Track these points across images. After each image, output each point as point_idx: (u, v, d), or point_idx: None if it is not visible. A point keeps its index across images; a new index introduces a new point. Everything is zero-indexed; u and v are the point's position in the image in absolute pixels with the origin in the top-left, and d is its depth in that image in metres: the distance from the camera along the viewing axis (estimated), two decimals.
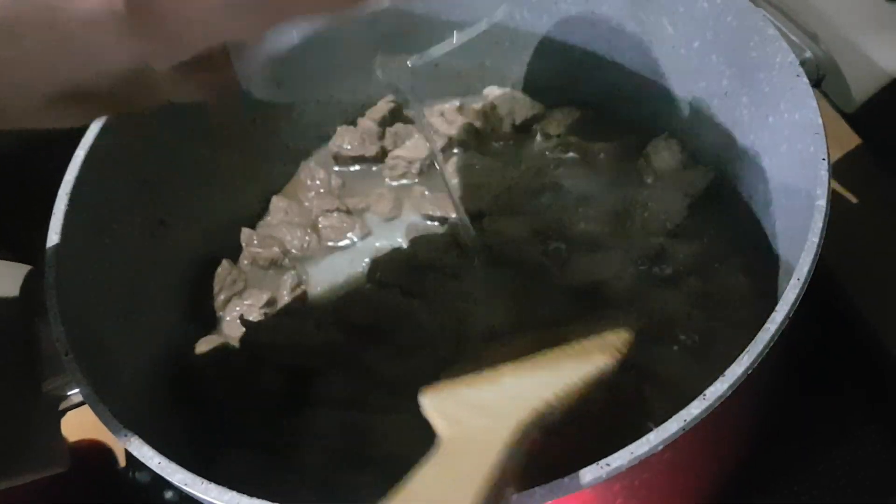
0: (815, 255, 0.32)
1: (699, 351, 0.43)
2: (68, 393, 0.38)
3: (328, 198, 0.55)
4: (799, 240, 0.33)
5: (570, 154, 0.55)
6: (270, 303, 0.51)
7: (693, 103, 0.50)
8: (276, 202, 0.56)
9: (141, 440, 0.32)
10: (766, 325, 0.30)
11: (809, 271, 0.31)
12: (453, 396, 0.28)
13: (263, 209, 0.57)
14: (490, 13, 0.41)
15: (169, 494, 0.50)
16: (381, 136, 0.58)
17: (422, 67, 0.58)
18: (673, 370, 0.43)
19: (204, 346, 0.49)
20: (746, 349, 0.29)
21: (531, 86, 0.59)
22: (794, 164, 0.40)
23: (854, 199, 0.51)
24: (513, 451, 0.24)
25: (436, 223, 0.53)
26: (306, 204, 0.56)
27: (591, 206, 0.51)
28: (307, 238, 0.54)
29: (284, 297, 0.51)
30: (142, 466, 0.31)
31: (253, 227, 0.56)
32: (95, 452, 0.53)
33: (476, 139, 0.57)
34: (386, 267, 0.51)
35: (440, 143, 0.56)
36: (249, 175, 0.56)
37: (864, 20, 0.44)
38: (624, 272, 0.47)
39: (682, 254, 0.47)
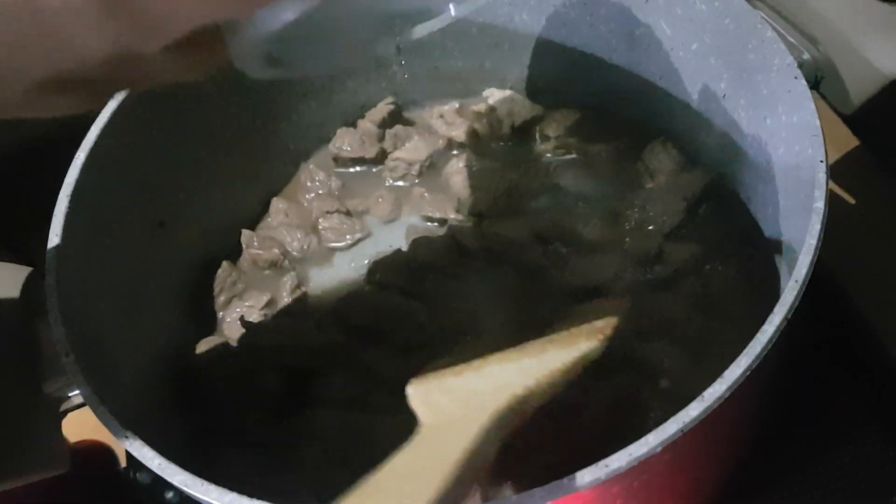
0: (814, 256, 0.32)
1: (698, 352, 0.44)
2: (69, 394, 0.38)
3: (328, 199, 0.55)
4: (797, 241, 0.34)
5: (569, 156, 0.55)
6: (270, 304, 0.51)
7: (691, 105, 0.50)
8: (276, 203, 0.56)
9: (141, 441, 0.32)
10: (765, 327, 0.30)
11: (808, 273, 0.32)
12: (437, 385, 0.28)
13: (263, 211, 0.57)
14: None
15: (170, 495, 0.51)
16: (381, 138, 0.58)
17: (420, 69, 0.59)
18: (671, 371, 0.43)
19: (204, 346, 0.49)
20: (745, 350, 0.30)
21: (530, 87, 0.59)
22: (792, 165, 0.40)
23: (852, 201, 0.51)
24: (489, 438, 0.25)
25: (435, 224, 0.53)
26: (306, 205, 0.56)
27: (590, 208, 0.51)
28: (307, 239, 0.54)
29: (284, 298, 0.51)
30: (142, 467, 0.31)
31: (253, 228, 0.56)
32: (96, 453, 0.53)
33: (475, 141, 0.57)
34: (386, 268, 0.51)
35: (439, 144, 0.56)
36: (249, 176, 0.56)
37: (862, 22, 0.44)
38: (622, 274, 0.47)
39: (680, 255, 0.47)
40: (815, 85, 0.46)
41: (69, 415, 0.39)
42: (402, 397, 0.36)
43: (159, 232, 0.49)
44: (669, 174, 0.51)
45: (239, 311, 0.51)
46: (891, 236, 0.49)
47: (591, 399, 0.42)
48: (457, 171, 0.55)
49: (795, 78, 0.38)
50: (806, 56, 0.45)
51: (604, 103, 0.57)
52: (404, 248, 0.52)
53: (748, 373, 0.29)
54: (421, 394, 0.27)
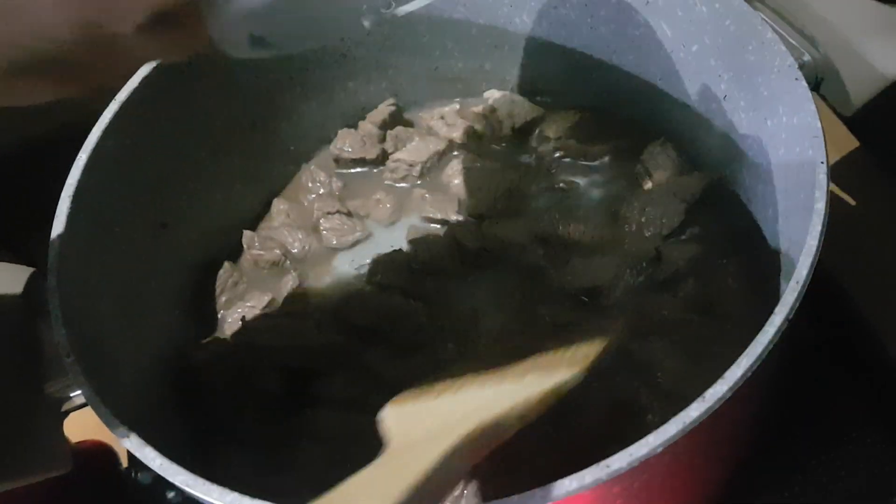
0: (814, 257, 0.32)
1: (698, 353, 0.44)
2: (70, 394, 0.38)
3: (329, 200, 0.55)
4: (797, 242, 0.34)
5: (569, 157, 0.55)
6: (271, 304, 0.51)
7: (691, 106, 0.50)
8: (277, 204, 0.57)
9: (143, 441, 0.32)
10: (766, 328, 0.30)
11: (808, 274, 0.32)
12: (412, 407, 0.28)
13: (264, 211, 0.57)
14: None
15: (171, 495, 0.51)
16: (382, 139, 0.58)
17: (421, 69, 0.59)
18: (671, 373, 0.43)
19: (205, 347, 0.49)
20: (746, 351, 0.30)
21: (531, 89, 0.59)
22: (792, 167, 0.40)
23: (852, 202, 0.51)
24: (455, 461, 0.24)
25: (436, 225, 0.53)
26: (307, 206, 0.56)
27: (590, 210, 0.52)
28: (308, 240, 0.54)
29: (285, 299, 0.51)
30: (144, 467, 0.31)
31: (254, 229, 0.56)
32: (98, 453, 0.53)
33: (476, 142, 0.57)
34: (386, 269, 0.51)
35: (440, 145, 0.56)
36: (250, 177, 0.56)
37: (862, 23, 0.44)
38: (622, 276, 0.47)
39: (679, 257, 0.47)
40: (815, 86, 0.46)
41: (70, 415, 0.39)
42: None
43: (160, 232, 0.49)
44: (669, 175, 0.51)
45: (240, 312, 0.51)
46: (891, 237, 0.49)
47: (591, 400, 0.42)
48: (457, 172, 0.55)
49: (796, 79, 0.38)
50: (806, 57, 0.45)
51: (604, 104, 0.57)
52: (405, 248, 0.52)
53: (749, 373, 0.29)
54: (394, 416, 0.27)
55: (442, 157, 0.57)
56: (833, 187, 0.35)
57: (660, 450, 0.28)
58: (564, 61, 0.56)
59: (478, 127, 0.58)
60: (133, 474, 0.52)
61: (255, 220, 0.57)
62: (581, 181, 0.54)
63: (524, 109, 0.57)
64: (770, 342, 0.30)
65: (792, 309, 0.31)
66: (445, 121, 0.58)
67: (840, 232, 0.36)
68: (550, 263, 0.49)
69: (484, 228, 0.51)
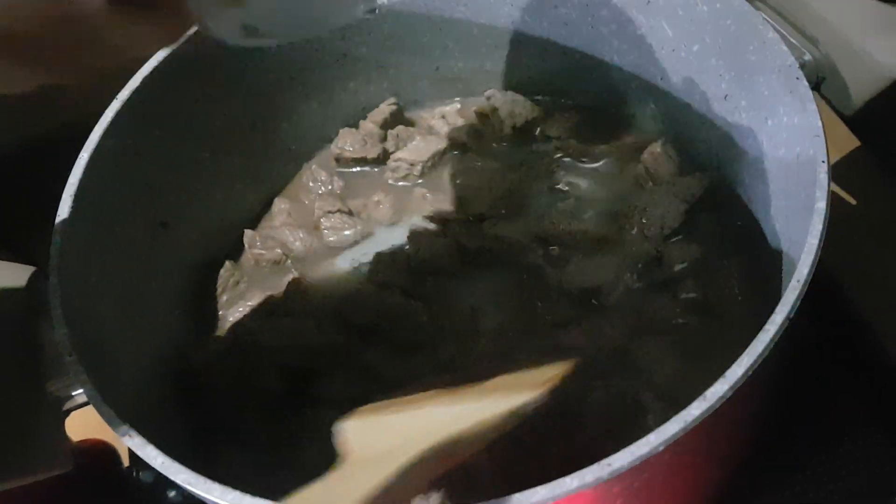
0: (815, 256, 0.32)
1: (698, 354, 0.44)
2: (72, 393, 0.38)
3: (330, 199, 0.55)
4: (798, 242, 0.34)
5: (570, 157, 0.55)
6: (272, 304, 0.51)
7: (692, 106, 0.50)
8: (278, 203, 0.57)
9: (144, 440, 0.32)
10: (766, 327, 0.30)
11: (809, 273, 0.32)
12: (373, 421, 0.28)
13: (265, 210, 0.57)
14: None
15: (172, 494, 0.51)
16: (383, 139, 0.58)
17: (422, 69, 0.59)
18: (672, 373, 0.43)
19: (206, 346, 0.49)
20: (747, 350, 0.30)
21: (532, 88, 0.59)
22: (793, 166, 0.40)
23: (853, 202, 0.51)
24: (411, 475, 0.25)
25: (437, 225, 0.53)
26: (308, 205, 0.56)
27: (590, 210, 0.52)
28: (309, 239, 0.54)
29: (286, 298, 0.51)
30: (145, 466, 0.31)
31: (255, 228, 0.56)
32: (99, 452, 0.53)
33: (477, 141, 0.57)
34: (387, 268, 0.51)
35: (441, 145, 0.56)
36: (251, 177, 0.56)
37: (863, 23, 0.44)
38: (622, 276, 0.47)
39: (680, 257, 0.47)
40: (816, 86, 0.46)
41: (72, 414, 0.39)
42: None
43: (161, 232, 0.49)
44: (670, 175, 0.51)
45: (241, 311, 0.51)
46: (891, 237, 0.49)
47: (591, 399, 0.42)
48: (458, 171, 0.55)
49: (797, 79, 0.38)
50: (807, 57, 0.45)
51: (605, 104, 0.57)
52: (405, 248, 0.52)
53: (750, 372, 0.29)
54: (353, 429, 0.27)
55: (443, 156, 0.57)
56: (833, 187, 0.35)
57: (661, 448, 0.28)
58: (565, 61, 0.56)
59: (478, 126, 0.58)
60: (134, 473, 0.52)
61: (255, 220, 0.57)
62: (581, 181, 0.54)
63: (525, 109, 0.57)
64: (771, 341, 0.30)
65: (793, 308, 0.31)
66: (446, 120, 0.58)
67: (840, 232, 0.36)
68: (551, 263, 0.49)
69: (484, 228, 0.51)
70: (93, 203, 0.42)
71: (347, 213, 0.55)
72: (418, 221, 0.54)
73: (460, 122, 0.58)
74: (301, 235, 0.54)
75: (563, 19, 0.54)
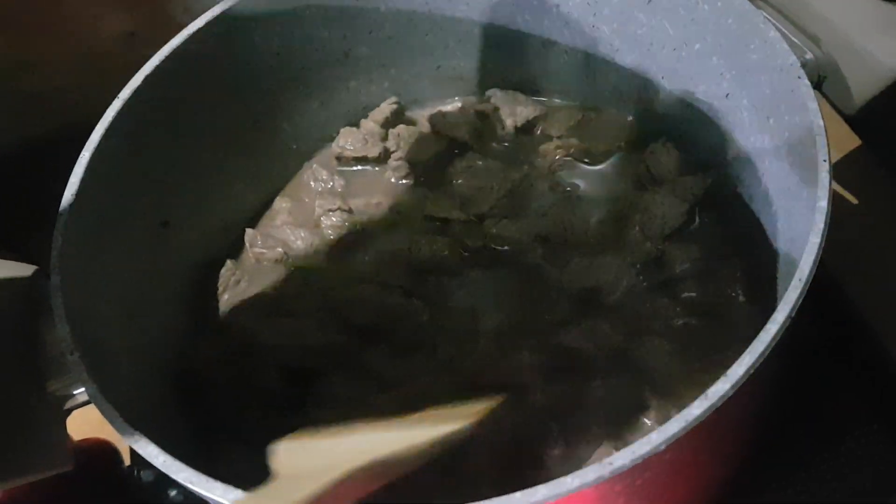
0: (817, 255, 0.32)
1: (699, 353, 0.44)
2: (73, 392, 0.38)
3: (331, 198, 0.55)
4: (800, 241, 0.34)
5: (571, 156, 0.55)
6: (273, 303, 0.51)
7: (694, 105, 0.50)
8: (279, 203, 0.57)
9: (146, 438, 0.32)
10: (768, 326, 0.30)
11: (811, 271, 0.32)
12: (303, 444, 0.29)
13: (266, 209, 0.57)
14: None
15: (173, 493, 0.51)
16: (384, 138, 0.58)
17: (423, 68, 0.59)
18: (673, 372, 0.43)
19: (206, 345, 0.49)
20: (748, 349, 0.30)
21: (533, 88, 0.59)
22: (794, 165, 0.40)
23: (854, 201, 0.51)
24: (337, 494, 0.26)
25: (438, 224, 0.53)
26: (309, 204, 0.56)
27: (591, 209, 0.52)
28: (310, 238, 0.54)
29: (286, 298, 0.51)
30: (146, 465, 0.31)
31: (256, 227, 0.56)
32: (100, 451, 0.53)
33: (478, 140, 0.57)
34: (387, 267, 0.51)
35: (442, 144, 0.56)
36: (252, 176, 0.56)
37: (864, 22, 0.44)
38: (623, 276, 0.47)
39: (681, 257, 0.47)
40: (817, 85, 0.46)
41: (73, 413, 0.39)
42: (403, 397, 0.37)
43: (163, 231, 0.49)
44: (671, 175, 0.51)
45: (241, 310, 0.51)
46: (891, 237, 0.49)
47: (592, 399, 0.42)
48: (459, 170, 0.55)
49: (798, 78, 0.38)
50: (809, 56, 0.45)
51: (606, 103, 0.57)
52: (407, 247, 0.52)
53: (752, 371, 0.29)
54: (284, 450, 0.28)
55: (444, 155, 0.57)
56: (834, 186, 0.35)
57: (662, 447, 0.28)
58: (566, 60, 0.56)
59: (480, 125, 0.58)
60: (135, 472, 0.52)
61: (256, 219, 0.57)
62: (582, 180, 0.54)
63: (526, 108, 0.57)
64: (773, 340, 0.30)
65: (794, 306, 0.31)
66: (447, 119, 0.58)
67: (841, 231, 0.36)
68: (551, 263, 0.49)
69: (485, 227, 0.51)
70: (94, 202, 0.42)
71: (348, 211, 0.55)
72: (419, 221, 0.54)
73: (461, 121, 0.58)
74: (302, 234, 0.54)
75: (564, 18, 0.54)
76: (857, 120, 0.46)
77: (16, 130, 0.54)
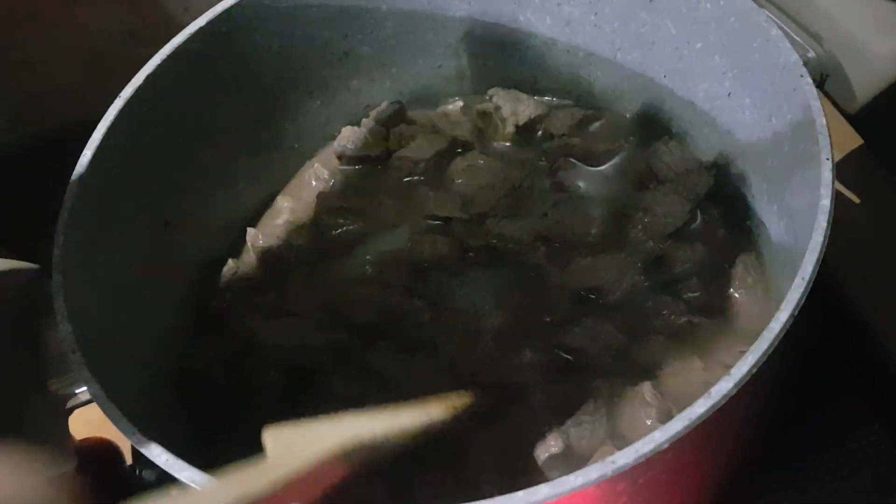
0: (820, 254, 0.32)
1: (702, 352, 0.44)
2: (75, 391, 0.38)
3: (332, 197, 0.55)
4: (802, 240, 0.34)
5: (573, 155, 0.55)
6: (274, 302, 0.51)
7: (696, 104, 0.50)
8: (281, 202, 0.57)
9: (148, 437, 0.32)
10: (771, 325, 0.30)
11: (814, 270, 0.32)
12: (293, 428, 0.30)
13: (267, 208, 0.57)
14: None
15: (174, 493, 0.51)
16: (386, 137, 0.58)
17: (424, 68, 0.59)
18: (675, 372, 0.43)
19: (208, 345, 0.49)
20: (751, 348, 0.30)
21: (534, 86, 0.59)
22: (797, 164, 0.40)
23: (856, 200, 0.51)
24: (323, 470, 0.28)
25: (439, 223, 0.53)
26: (310, 203, 0.56)
27: (594, 208, 0.51)
28: (311, 237, 0.54)
29: (287, 297, 0.51)
30: (148, 464, 0.31)
31: (257, 226, 0.56)
32: (101, 450, 0.53)
33: (479, 140, 0.57)
34: (389, 267, 0.51)
35: (443, 143, 0.56)
36: (254, 175, 0.56)
37: (867, 21, 0.44)
38: (625, 275, 0.47)
39: (683, 257, 0.47)
40: (819, 83, 0.46)
41: (75, 412, 0.39)
42: (404, 397, 0.37)
43: (164, 231, 0.49)
44: (673, 174, 0.51)
45: (242, 310, 0.51)
46: (893, 237, 0.49)
47: (593, 398, 0.42)
48: (461, 170, 0.55)
49: (801, 76, 0.38)
50: (811, 54, 0.45)
51: (608, 102, 0.57)
52: (408, 246, 0.52)
53: (754, 370, 0.29)
54: (273, 435, 0.30)
55: (445, 154, 0.57)
56: (837, 185, 0.35)
57: (665, 446, 0.28)
58: (568, 59, 0.56)
59: (481, 125, 0.58)
60: (137, 471, 0.52)
61: (258, 218, 0.57)
62: (584, 179, 0.54)
63: (528, 107, 0.57)
64: (776, 339, 0.30)
65: (797, 306, 0.31)
66: (449, 118, 0.58)
67: (843, 230, 0.36)
68: (553, 262, 0.49)
69: (487, 227, 0.51)
70: (96, 201, 0.42)
71: (349, 211, 0.55)
72: (420, 220, 0.54)
73: (463, 120, 0.58)
74: (303, 234, 0.54)
75: (566, 17, 0.54)
76: (860, 119, 0.46)
77: (16, 130, 0.54)
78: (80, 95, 0.49)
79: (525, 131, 0.57)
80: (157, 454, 0.32)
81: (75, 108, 0.44)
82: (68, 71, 0.55)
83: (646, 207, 0.49)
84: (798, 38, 0.46)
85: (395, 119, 0.59)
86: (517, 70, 0.59)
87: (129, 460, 0.54)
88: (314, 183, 0.57)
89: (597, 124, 0.57)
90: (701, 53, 0.48)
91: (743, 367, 0.29)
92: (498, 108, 0.57)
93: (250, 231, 0.54)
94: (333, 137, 0.59)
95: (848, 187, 0.51)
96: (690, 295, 0.46)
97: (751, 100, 0.45)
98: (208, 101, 0.50)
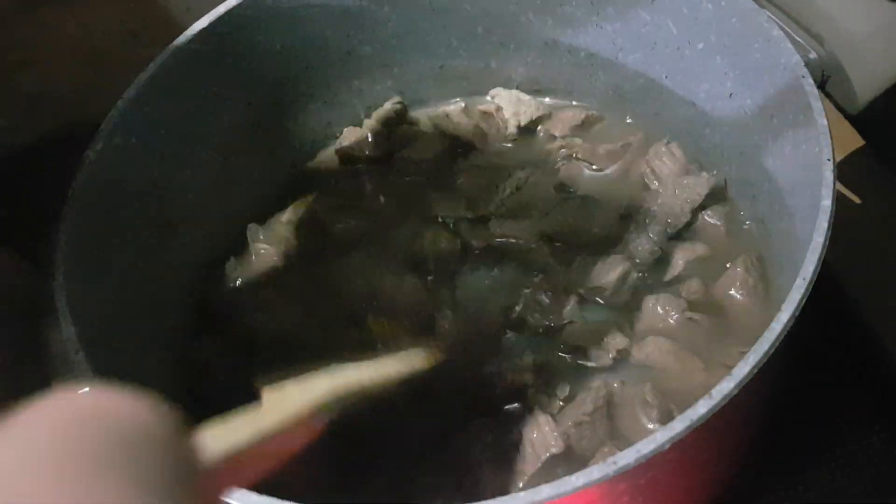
0: (821, 254, 0.32)
1: (703, 352, 0.44)
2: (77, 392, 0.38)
3: (334, 197, 0.55)
4: (803, 240, 0.34)
5: (575, 156, 0.55)
6: (275, 301, 0.51)
7: (697, 105, 0.50)
8: (283, 202, 0.56)
9: None
10: (772, 325, 0.30)
11: (815, 271, 0.32)
12: (284, 384, 0.32)
13: (269, 209, 0.57)
14: None
15: None
16: (388, 137, 0.58)
17: (426, 68, 0.59)
18: (676, 372, 0.43)
19: (209, 345, 0.49)
20: (752, 348, 0.30)
21: (536, 87, 0.59)
22: (798, 165, 0.40)
23: (857, 200, 0.51)
24: (317, 411, 0.29)
25: (441, 224, 0.53)
26: (312, 203, 0.56)
27: (595, 209, 0.51)
28: (313, 237, 0.54)
29: (289, 297, 0.51)
30: None
31: (259, 225, 0.56)
32: None
33: (481, 140, 0.57)
34: (391, 266, 0.51)
35: (445, 144, 0.56)
36: (256, 175, 0.56)
37: (868, 21, 0.44)
38: (627, 275, 0.47)
39: (684, 257, 0.47)
40: (821, 84, 0.46)
41: None
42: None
43: (166, 230, 0.49)
44: (675, 174, 0.51)
45: (244, 309, 0.51)
46: (894, 237, 0.49)
47: (594, 398, 0.42)
48: (463, 170, 0.55)
49: (802, 77, 0.39)
50: (812, 55, 0.45)
51: (609, 103, 0.57)
52: (410, 247, 0.52)
53: (756, 370, 0.29)
54: (269, 390, 0.31)
55: (447, 155, 0.57)
56: (838, 186, 0.35)
57: (667, 446, 0.28)
58: (570, 59, 0.56)
59: (483, 125, 0.58)
60: None
61: (260, 218, 0.57)
62: (586, 180, 0.54)
63: (530, 108, 0.57)
64: (777, 339, 0.30)
65: (798, 306, 0.31)
66: (451, 119, 0.58)
67: (843, 231, 0.36)
68: (555, 262, 0.49)
69: (489, 227, 0.51)
70: (98, 201, 0.42)
71: (352, 211, 0.55)
72: (422, 220, 0.54)
73: (465, 120, 0.57)
74: (305, 234, 0.54)
75: (567, 17, 0.54)
76: (861, 119, 0.47)
77: (16, 130, 0.54)
78: (80, 95, 0.49)
79: (527, 132, 0.57)
80: None
81: (75, 108, 0.44)
82: (68, 71, 0.55)
83: (647, 208, 0.49)
84: (799, 39, 0.46)
85: (397, 119, 0.59)
86: (519, 71, 0.59)
87: None
88: (316, 183, 0.57)
89: (598, 125, 0.57)
90: (702, 54, 0.48)
91: (744, 368, 0.29)
92: (500, 109, 0.57)
93: (251, 229, 0.54)
94: (335, 138, 0.59)
95: (849, 188, 0.51)
96: (692, 294, 0.46)
97: (752, 100, 0.45)
98: (210, 102, 0.50)
